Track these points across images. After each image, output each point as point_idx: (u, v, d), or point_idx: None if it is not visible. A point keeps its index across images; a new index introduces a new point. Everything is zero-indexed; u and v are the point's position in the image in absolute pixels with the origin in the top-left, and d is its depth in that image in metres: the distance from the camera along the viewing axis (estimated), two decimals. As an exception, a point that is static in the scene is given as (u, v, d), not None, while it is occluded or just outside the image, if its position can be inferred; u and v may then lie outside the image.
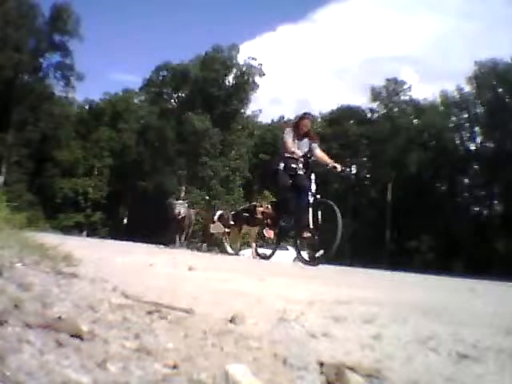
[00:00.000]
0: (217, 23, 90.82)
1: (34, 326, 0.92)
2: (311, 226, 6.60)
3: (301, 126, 7.37)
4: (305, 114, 7.72)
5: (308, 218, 6.65)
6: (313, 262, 6.58)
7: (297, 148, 7.14)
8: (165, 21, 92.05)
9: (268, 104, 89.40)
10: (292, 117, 61.85)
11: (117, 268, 2.54)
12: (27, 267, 1.62)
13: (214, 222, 10.43)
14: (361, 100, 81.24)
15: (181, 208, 12.42)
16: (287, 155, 7.13)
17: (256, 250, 9.04)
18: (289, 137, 7.23)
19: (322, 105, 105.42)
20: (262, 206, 8.74)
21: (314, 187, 6.86)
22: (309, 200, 6.74)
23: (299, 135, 7.28)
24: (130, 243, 13.90)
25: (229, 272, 3.30)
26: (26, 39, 43.50)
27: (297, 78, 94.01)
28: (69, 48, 45.34)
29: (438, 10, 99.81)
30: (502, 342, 1.37)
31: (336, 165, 7.21)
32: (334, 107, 53.96)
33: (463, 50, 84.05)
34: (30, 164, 44.42)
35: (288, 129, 7.51)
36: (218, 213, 10.56)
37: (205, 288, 2.01)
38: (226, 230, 10.18)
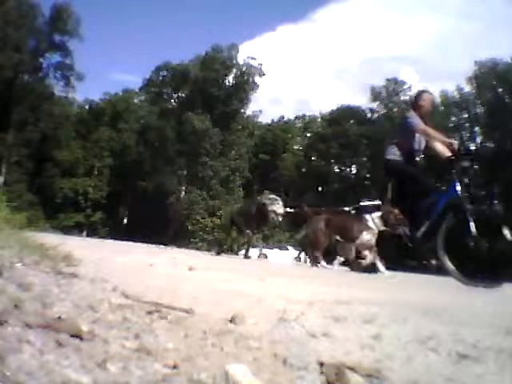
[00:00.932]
0: (217, 23, 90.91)
1: (34, 326, 0.92)
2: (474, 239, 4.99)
3: (421, 105, 5.94)
4: (424, 90, 6.30)
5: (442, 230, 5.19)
6: (484, 283, 4.74)
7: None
8: (165, 21, 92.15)
9: (268, 104, 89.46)
10: (292, 117, 61.98)
11: (117, 268, 2.54)
12: (27, 267, 1.62)
13: (367, 229, 7.39)
14: (361, 100, 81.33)
15: (280, 204, 9.09)
16: (415, 147, 5.85)
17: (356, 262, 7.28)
18: (416, 119, 5.76)
19: (322, 105, 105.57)
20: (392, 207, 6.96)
21: (458, 187, 5.39)
22: (464, 206, 5.23)
23: (420, 118, 5.85)
24: (130, 243, 13.90)
25: (229, 272, 3.31)
26: (25, 39, 43.50)
27: (297, 78, 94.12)
28: (69, 48, 45.41)
29: (438, 10, 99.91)
30: (501, 342, 1.37)
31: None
32: (334, 107, 54.01)
33: (463, 50, 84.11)
34: (30, 164, 44.43)
35: (410, 113, 5.97)
36: (377, 214, 7.32)
37: (205, 288, 2.01)
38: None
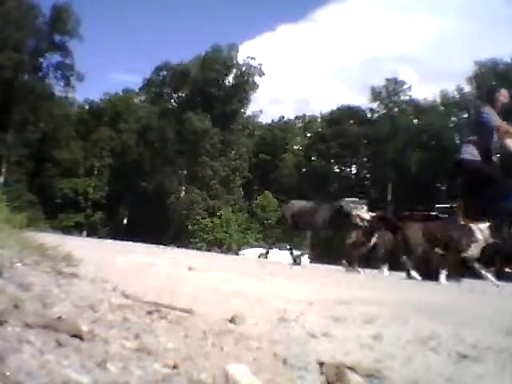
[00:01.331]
0: (217, 23, 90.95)
1: (34, 326, 0.92)
2: None
3: (499, 100, 5.56)
4: (496, 86, 5.64)
5: None
6: None
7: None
8: (165, 21, 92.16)
9: (268, 104, 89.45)
10: (292, 117, 61.92)
11: (117, 268, 2.54)
12: (27, 267, 1.62)
13: (475, 241, 6.44)
14: (360, 100, 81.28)
15: (365, 208, 8.21)
16: (492, 145, 5.43)
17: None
18: (495, 116, 5.36)
19: (322, 105, 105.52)
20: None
21: None
22: None
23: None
24: (130, 243, 13.90)
25: (229, 272, 3.31)
26: (25, 39, 43.51)
27: (296, 78, 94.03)
28: (69, 48, 45.43)
29: (438, 10, 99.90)
30: (501, 342, 1.37)
31: None
32: (334, 107, 53.98)
33: (463, 50, 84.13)
34: (30, 164, 44.44)
35: (486, 107, 5.52)
36: (485, 225, 6.38)
37: (205, 288, 2.01)
38: None
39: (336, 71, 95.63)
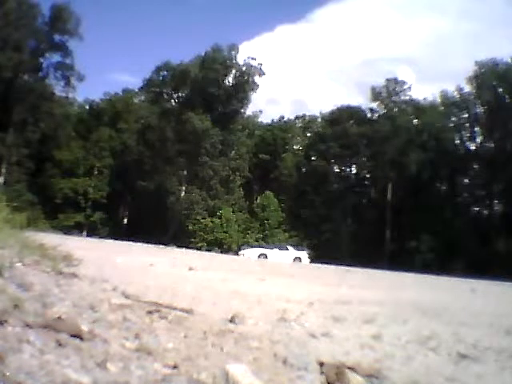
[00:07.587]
0: (217, 23, 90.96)
1: (34, 326, 0.92)
2: None
3: None
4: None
5: None
6: None
7: None
8: (165, 21, 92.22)
9: (265, 104, 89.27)
10: (291, 117, 61.83)
11: (117, 268, 2.54)
12: (27, 267, 1.63)
13: None
14: (358, 101, 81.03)
15: None
16: None
17: None
18: None
19: (319, 106, 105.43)
20: None
21: None
22: None
23: None
24: (130, 243, 13.91)
25: (229, 272, 3.31)
26: (25, 39, 43.46)
27: (294, 79, 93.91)
28: (69, 48, 45.37)
29: (437, 10, 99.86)
30: (501, 342, 1.38)
31: None
32: (333, 107, 53.86)
33: (463, 50, 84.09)
34: (30, 164, 44.37)
35: None
36: None
37: (205, 288, 2.02)
38: None
39: (334, 72, 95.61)
